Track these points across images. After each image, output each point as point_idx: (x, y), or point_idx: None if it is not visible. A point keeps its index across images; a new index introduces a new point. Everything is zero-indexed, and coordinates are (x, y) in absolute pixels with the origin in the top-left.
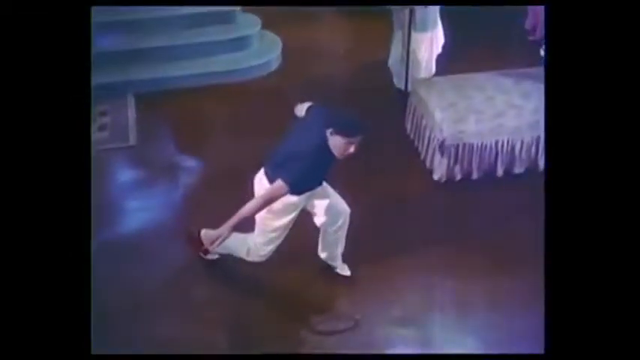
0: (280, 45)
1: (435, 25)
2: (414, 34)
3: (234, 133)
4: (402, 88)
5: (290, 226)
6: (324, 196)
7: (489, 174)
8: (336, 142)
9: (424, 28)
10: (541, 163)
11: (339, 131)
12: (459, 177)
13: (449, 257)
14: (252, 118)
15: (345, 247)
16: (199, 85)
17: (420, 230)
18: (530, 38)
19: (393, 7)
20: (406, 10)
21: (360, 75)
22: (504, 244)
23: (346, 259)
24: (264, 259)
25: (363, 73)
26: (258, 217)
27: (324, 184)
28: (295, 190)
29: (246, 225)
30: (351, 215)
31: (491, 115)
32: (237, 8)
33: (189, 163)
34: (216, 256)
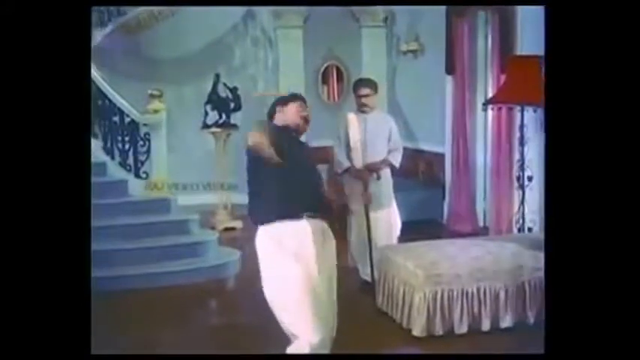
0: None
1: (389, 203)
2: (371, 214)
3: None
4: (369, 279)
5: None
6: None
7: (474, 328)
8: (288, 111)
9: (379, 207)
10: (530, 315)
11: (281, 104)
12: (440, 332)
13: None
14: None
15: None
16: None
17: None
18: None
19: (345, 182)
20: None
21: None
22: None
23: None
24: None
25: None
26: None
27: None
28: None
29: None
30: None
31: (467, 260)
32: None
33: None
34: None
